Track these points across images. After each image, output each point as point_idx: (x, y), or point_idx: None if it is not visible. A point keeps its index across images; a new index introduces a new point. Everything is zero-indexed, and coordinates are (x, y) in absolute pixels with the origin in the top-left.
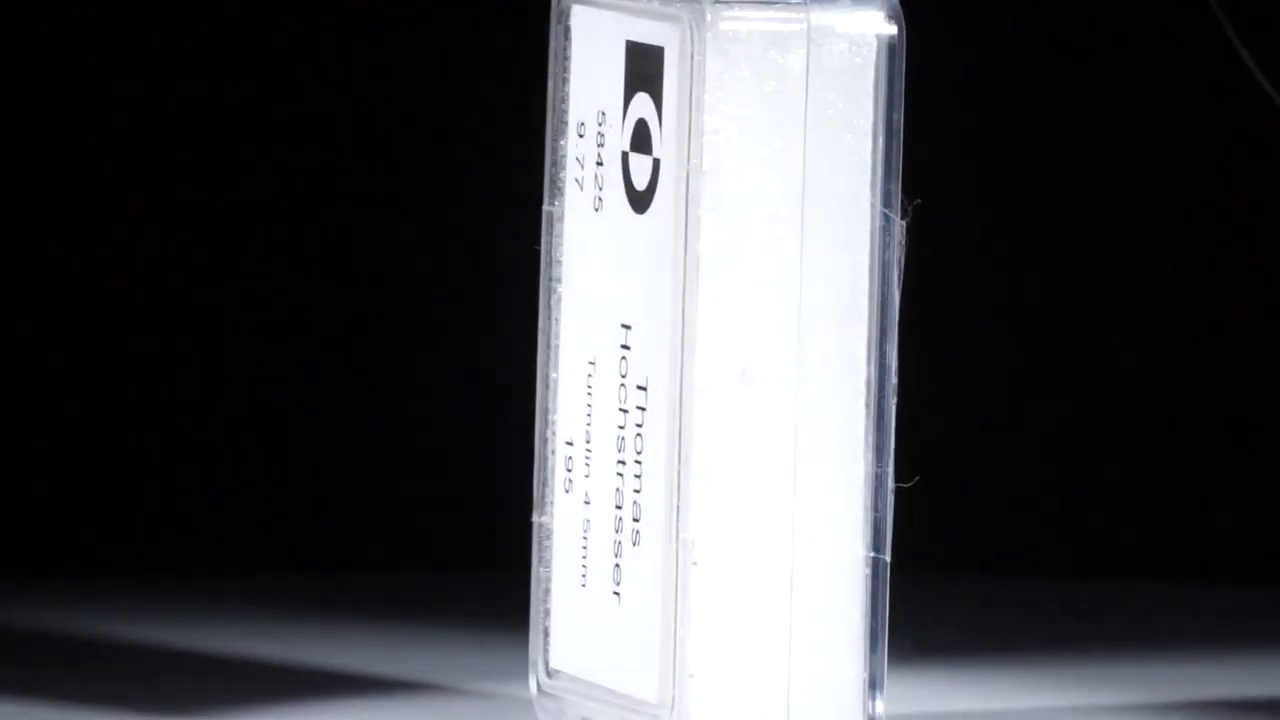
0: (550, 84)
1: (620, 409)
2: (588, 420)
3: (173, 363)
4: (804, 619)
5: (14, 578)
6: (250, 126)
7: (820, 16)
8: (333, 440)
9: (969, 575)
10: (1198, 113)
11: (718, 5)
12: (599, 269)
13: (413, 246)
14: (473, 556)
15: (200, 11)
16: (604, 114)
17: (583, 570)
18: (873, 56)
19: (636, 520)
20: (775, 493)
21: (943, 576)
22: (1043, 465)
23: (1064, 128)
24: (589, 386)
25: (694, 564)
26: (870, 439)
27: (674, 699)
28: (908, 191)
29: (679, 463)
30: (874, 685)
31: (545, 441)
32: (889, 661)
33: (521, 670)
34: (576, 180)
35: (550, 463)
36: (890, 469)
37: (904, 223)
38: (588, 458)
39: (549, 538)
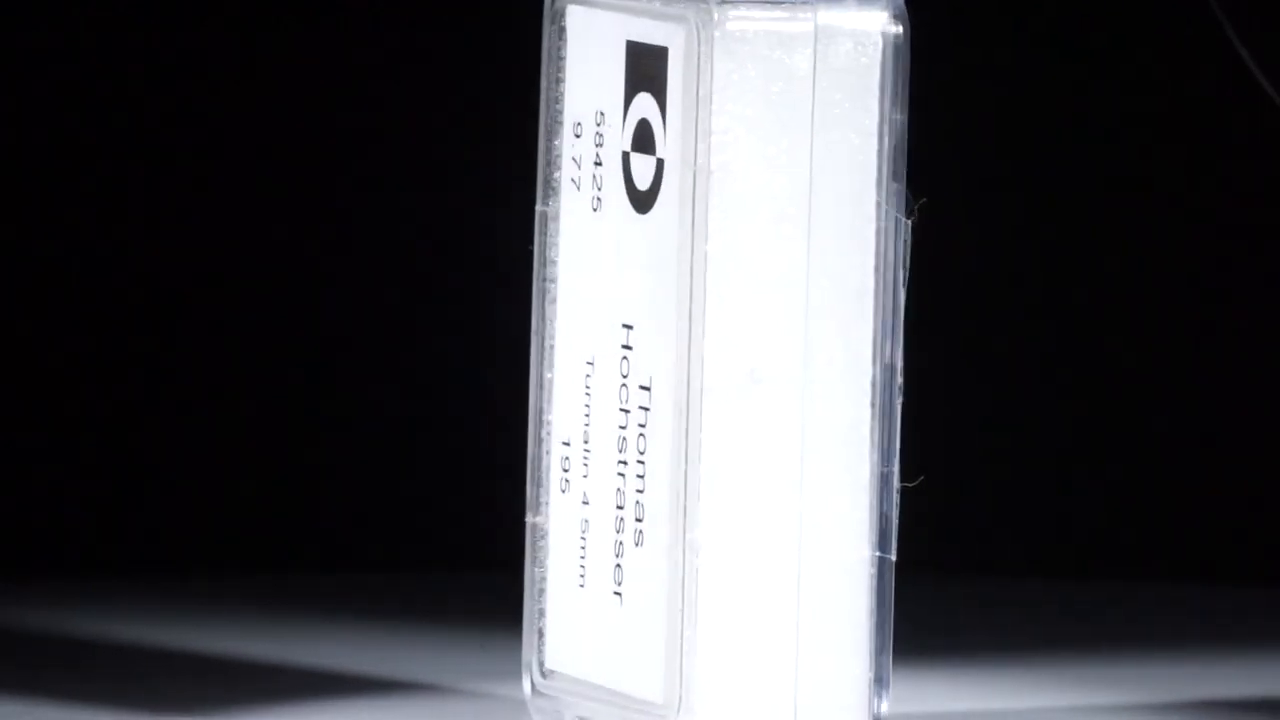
0: (544, 84)
1: (621, 409)
2: (586, 420)
3: (173, 363)
4: (810, 619)
5: (14, 578)
6: (248, 127)
7: (826, 16)
8: (332, 440)
9: (969, 575)
10: (1198, 113)
11: (724, 5)
12: (598, 269)
13: (412, 247)
14: (472, 556)
15: (200, 12)
16: (602, 114)
17: (581, 570)
18: (878, 56)
19: (639, 520)
20: (782, 492)
21: (943, 576)
22: (1043, 465)
23: (1064, 128)
24: (587, 387)
25: (698, 564)
26: (876, 438)
27: (680, 699)
28: (912, 191)
29: (686, 462)
30: (880, 684)
31: (540, 442)
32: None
33: (519, 670)
34: (573, 180)
35: (545, 463)
36: (896, 468)
37: (909, 222)
38: (586, 458)
39: (544, 538)
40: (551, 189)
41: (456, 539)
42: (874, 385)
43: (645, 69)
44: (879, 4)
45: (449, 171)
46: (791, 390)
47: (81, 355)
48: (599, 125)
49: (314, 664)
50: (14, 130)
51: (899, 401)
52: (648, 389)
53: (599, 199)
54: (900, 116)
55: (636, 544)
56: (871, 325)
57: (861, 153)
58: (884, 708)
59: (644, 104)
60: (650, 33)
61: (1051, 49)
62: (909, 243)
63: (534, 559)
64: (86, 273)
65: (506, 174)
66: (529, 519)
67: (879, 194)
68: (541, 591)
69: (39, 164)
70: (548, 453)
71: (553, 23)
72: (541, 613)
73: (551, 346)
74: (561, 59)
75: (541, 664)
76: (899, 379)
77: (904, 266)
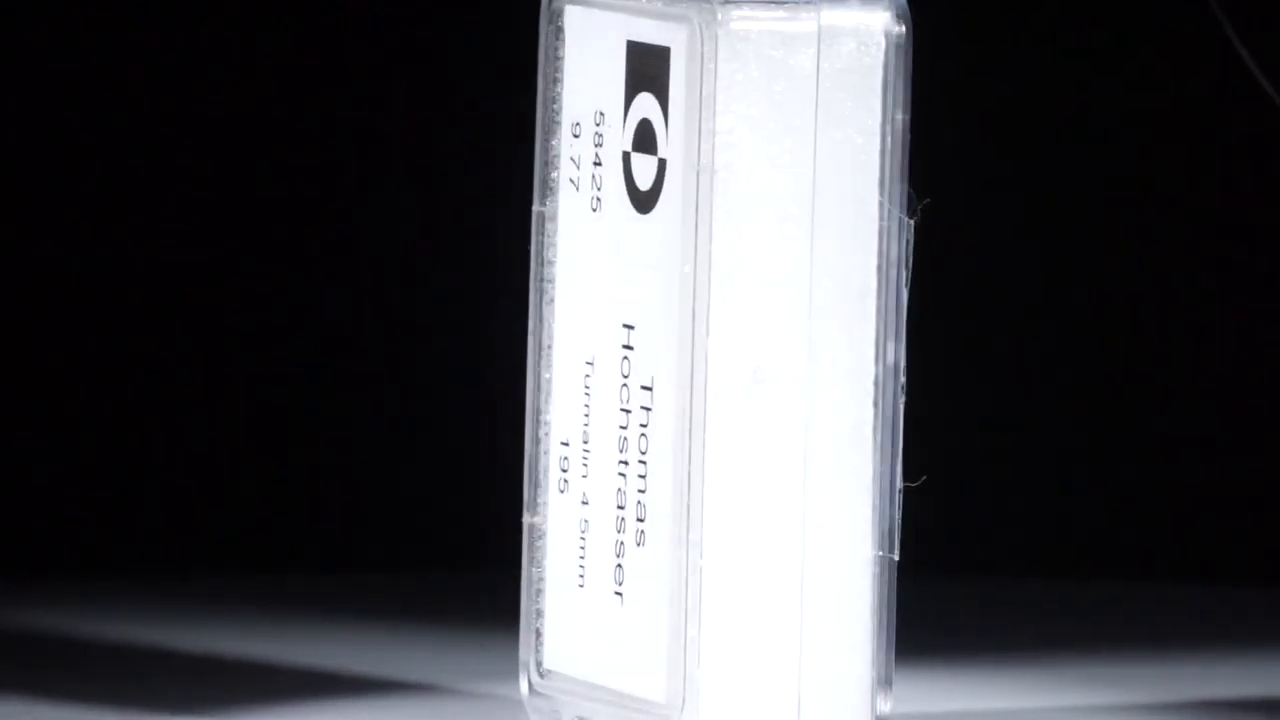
0: (540, 84)
1: (622, 409)
2: (585, 420)
3: (173, 363)
4: (814, 618)
5: (14, 578)
6: (248, 127)
7: (829, 16)
8: (332, 440)
9: (969, 575)
10: (1198, 113)
11: (727, 5)
12: (597, 269)
13: (412, 247)
14: (471, 556)
15: (200, 12)
16: (602, 114)
17: (580, 570)
18: (881, 56)
19: (641, 520)
20: (785, 492)
21: (943, 576)
22: (1043, 465)
23: (1064, 128)
24: (586, 387)
25: (701, 563)
26: (879, 438)
27: (683, 699)
28: (913, 191)
29: (689, 462)
30: (882, 684)
31: (537, 442)
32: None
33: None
34: (572, 180)
35: (543, 463)
36: (899, 468)
37: (912, 222)
38: (585, 458)
39: (541, 538)
40: (549, 189)
41: (456, 539)
42: (876, 385)
43: (647, 69)
44: (881, 3)
45: (449, 171)
46: (795, 390)
47: (81, 355)
48: (598, 125)
49: (314, 664)
50: (14, 130)
51: (902, 401)
52: (649, 389)
53: (598, 199)
54: (903, 116)
55: (638, 544)
56: (874, 325)
57: (864, 153)
58: (887, 707)
59: (645, 104)
60: (651, 33)
61: (1051, 49)
62: (911, 242)
63: (531, 559)
64: (86, 273)
65: (506, 174)
66: (526, 519)
67: (881, 194)
68: (539, 592)
69: (39, 164)
70: (545, 453)
71: (550, 23)
72: (539, 613)
73: (549, 347)
74: (559, 59)
75: (539, 664)
76: (902, 379)
77: (906, 266)
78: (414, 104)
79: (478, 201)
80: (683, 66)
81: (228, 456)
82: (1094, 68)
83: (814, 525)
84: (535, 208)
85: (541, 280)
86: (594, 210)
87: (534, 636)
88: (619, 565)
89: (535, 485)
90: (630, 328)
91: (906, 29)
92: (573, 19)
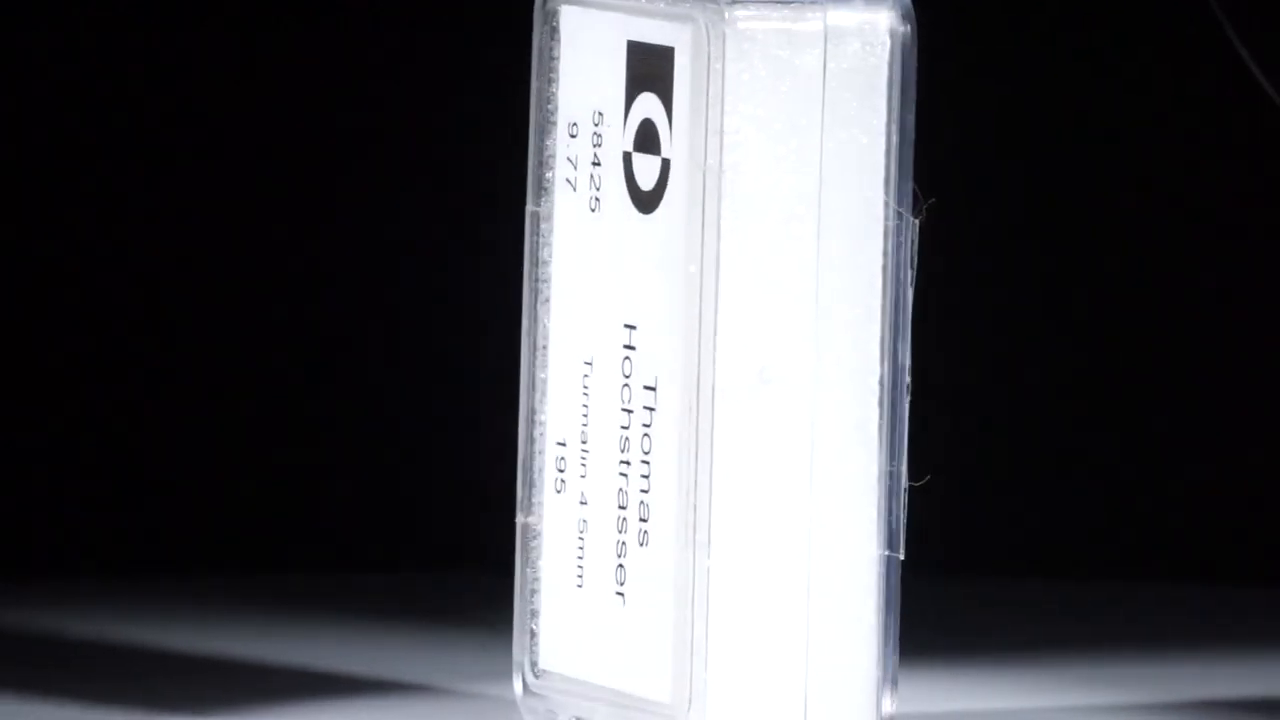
0: (534, 84)
1: (624, 409)
2: (583, 420)
3: (173, 363)
4: (820, 618)
5: (14, 578)
6: (248, 127)
7: (835, 16)
8: (332, 440)
9: (969, 575)
10: (1198, 113)
11: (734, 5)
12: (596, 269)
13: (412, 246)
14: (471, 556)
15: (200, 12)
16: (601, 114)
17: (578, 570)
18: (886, 55)
19: (644, 520)
20: (792, 492)
21: (943, 576)
22: (1043, 465)
23: (1064, 128)
24: (585, 387)
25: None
26: (884, 437)
27: (690, 699)
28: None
29: (696, 462)
30: (888, 683)
31: (532, 442)
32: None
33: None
34: (568, 180)
35: (537, 463)
36: (904, 467)
37: (917, 221)
38: (583, 458)
39: (536, 538)
40: (543, 189)
41: (456, 539)
42: (881, 384)
43: (649, 69)
44: (886, 3)
45: (449, 171)
46: (801, 390)
47: (81, 355)
48: (597, 125)
49: (313, 664)
50: (14, 130)
51: (906, 400)
52: (652, 389)
53: (597, 199)
54: (908, 116)
55: (641, 544)
56: (880, 324)
57: (870, 152)
58: (892, 707)
59: (647, 104)
60: (654, 32)
61: (1052, 49)
62: (916, 242)
63: (526, 559)
64: (86, 273)
65: (506, 174)
66: (520, 519)
67: (887, 193)
68: (534, 592)
69: (39, 164)
70: (540, 453)
71: (545, 23)
72: (534, 613)
73: (544, 347)
74: (555, 59)
75: (534, 664)
76: (907, 378)
77: (912, 266)
78: (414, 104)
79: (478, 201)
80: (687, 66)
81: (228, 456)
82: (1094, 68)
83: (820, 525)
84: (529, 207)
85: (536, 280)
86: (592, 210)
87: (528, 637)
88: (620, 565)
89: (529, 485)
90: (632, 328)
91: (911, 29)
92: (569, 19)
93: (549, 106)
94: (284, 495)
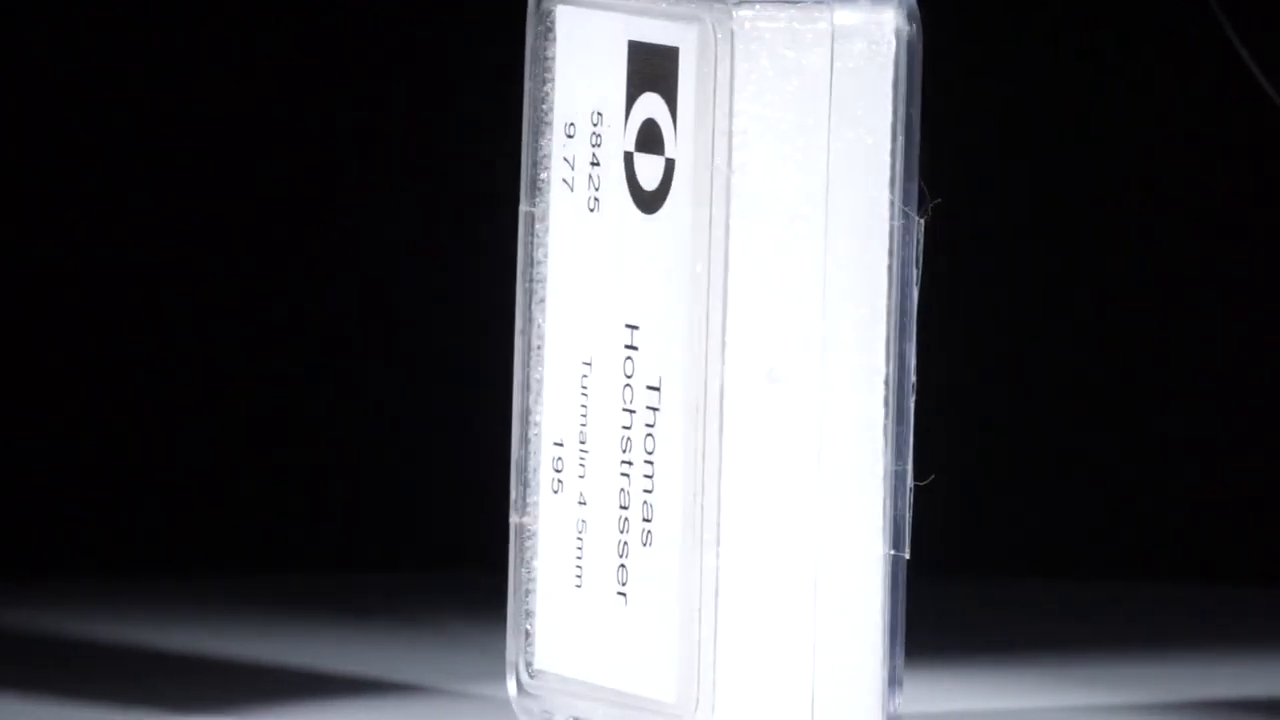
0: (527, 84)
1: (625, 409)
2: (582, 420)
3: (173, 363)
4: (827, 618)
5: (14, 578)
6: (248, 127)
7: (841, 15)
8: (332, 440)
9: (969, 575)
10: (1198, 113)
11: (741, 5)
12: (595, 269)
13: (412, 247)
14: (470, 557)
15: (200, 12)
16: (600, 114)
17: (577, 571)
18: (891, 55)
19: (647, 520)
20: (800, 492)
21: (943, 576)
22: (1043, 465)
23: (1064, 128)
24: (583, 387)
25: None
26: (890, 437)
27: (697, 699)
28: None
29: (704, 462)
30: (894, 683)
31: (526, 442)
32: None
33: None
34: (565, 181)
35: (532, 463)
36: (909, 467)
37: (922, 221)
38: (582, 458)
39: (531, 538)
40: (538, 189)
41: (456, 539)
42: (887, 384)
43: (651, 69)
44: (892, 3)
45: (448, 171)
46: (808, 389)
47: (81, 355)
48: (595, 125)
49: (312, 664)
50: (14, 130)
51: (911, 399)
52: (656, 389)
53: (596, 199)
54: (914, 115)
55: (644, 544)
56: (885, 324)
57: (876, 152)
58: (898, 706)
59: (650, 104)
60: (657, 33)
61: (1052, 50)
62: (921, 241)
63: (520, 559)
64: (86, 273)
65: (506, 174)
66: (514, 519)
67: (892, 193)
68: (528, 592)
69: (39, 164)
70: (535, 453)
71: (539, 23)
72: (528, 613)
73: (539, 347)
74: (549, 59)
75: (529, 664)
76: (912, 377)
77: (917, 265)
78: (414, 104)
79: (477, 201)
80: (693, 66)
81: (228, 456)
82: (1094, 68)
83: (827, 524)
84: (523, 207)
85: (531, 281)
86: (591, 210)
87: (523, 637)
88: (622, 565)
89: (524, 485)
90: (634, 328)
91: (917, 28)
92: (565, 19)
93: (543, 107)
94: (284, 495)
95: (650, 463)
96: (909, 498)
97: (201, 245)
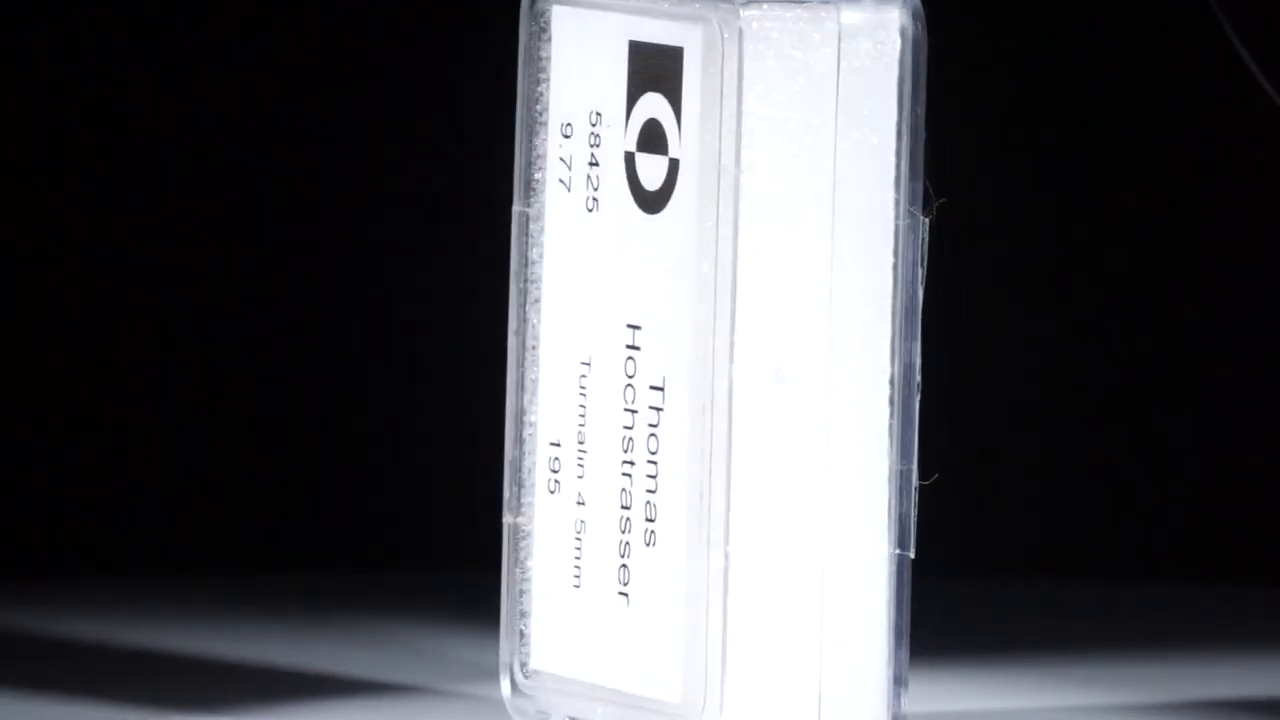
0: (521, 85)
1: (627, 409)
2: (580, 420)
3: (173, 363)
4: (834, 617)
5: (14, 578)
6: (248, 127)
7: (847, 15)
8: (331, 440)
9: (969, 575)
10: (1198, 113)
11: (748, 5)
12: (594, 270)
13: (411, 247)
14: (470, 557)
15: (200, 12)
16: (599, 114)
17: (575, 571)
18: (897, 55)
19: (650, 520)
20: (807, 492)
21: (943, 576)
22: (1043, 465)
23: (1064, 128)
24: (581, 387)
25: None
26: (895, 436)
27: (704, 699)
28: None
29: (710, 462)
30: (899, 682)
31: (520, 443)
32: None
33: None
34: (562, 181)
35: (526, 463)
36: (914, 466)
37: (927, 220)
38: (580, 458)
39: (526, 538)
40: (532, 189)
41: (455, 539)
42: (893, 384)
43: (654, 69)
44: (897, 2)
45: (447, 171)
46: (815, 389)
47: (81, 355)
48: (594, 126)
49: (310, 664)
50: (14, 130)
51: (916, 399)
52: (659, 389)
53: (595, 199)
54: (919, 115)
55: (647, 544)
56: (891, 323)
57: (881, 152)
58: (904, 706)
59: (652, 104)
60: (660, 33)
61: (1052, 50)
62: (927, 241)
63: (514, 560)
64: (86, 273)
65: (506, 175)
66: (507, 520)
67: (898, 192)
68: (523, 592)
69: (39, 164)
70: (531, 453)
71: (533, 23)
72: (523, 613)
73: (534, 347)
74: (544, 59)
75: (524, 664)
76: (917, 377)
77: (922, 264)
78: (414, 104)
79: (476, 201)
80: (698, 66)
81: (228, 456)
82: (1094, 68)
83: (834, 524)
84: (517, 208)
85: (525, 280)
86: (589, 210)
87: (517, 637)
88: (624, 565)
89: (518, 486)
90: (635, 328)
91: (922, 27)
92: (561, 19)
93: (538, 107)
94: (284, 495)
95: (653, 462)
96: (914, 497)
97: (200, 245)
